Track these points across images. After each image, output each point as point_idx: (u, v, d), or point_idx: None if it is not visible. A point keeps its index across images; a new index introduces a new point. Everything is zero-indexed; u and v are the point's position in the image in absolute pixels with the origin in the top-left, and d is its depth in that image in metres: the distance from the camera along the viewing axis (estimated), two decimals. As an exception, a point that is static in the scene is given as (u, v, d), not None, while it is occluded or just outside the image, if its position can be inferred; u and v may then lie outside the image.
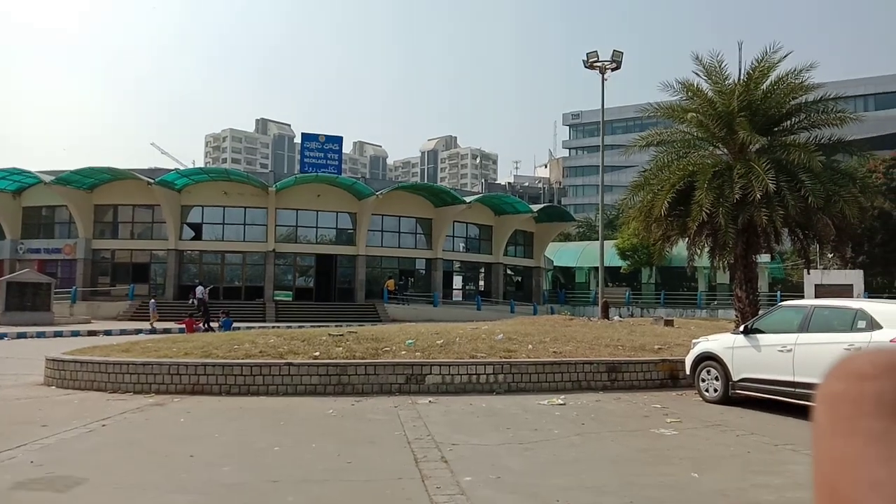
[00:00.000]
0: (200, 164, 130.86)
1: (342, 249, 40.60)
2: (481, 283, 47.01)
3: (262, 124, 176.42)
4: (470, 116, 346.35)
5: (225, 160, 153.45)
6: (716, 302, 44.70)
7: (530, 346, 13.34)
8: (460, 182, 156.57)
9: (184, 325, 25.06)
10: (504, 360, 12.05)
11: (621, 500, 5.72)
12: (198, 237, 39.51)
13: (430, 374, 11.45)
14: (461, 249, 45.43)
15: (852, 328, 9.27)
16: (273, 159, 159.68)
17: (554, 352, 12.97)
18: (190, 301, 30.52)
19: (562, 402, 10.48)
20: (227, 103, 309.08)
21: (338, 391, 11.06)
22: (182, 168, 45.95)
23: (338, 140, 46.01)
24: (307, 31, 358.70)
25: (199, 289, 30.59)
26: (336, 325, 24.23)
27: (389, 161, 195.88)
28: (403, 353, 12.29)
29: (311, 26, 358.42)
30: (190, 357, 11.67)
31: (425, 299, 40.53)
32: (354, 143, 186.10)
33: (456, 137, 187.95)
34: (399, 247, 42.28)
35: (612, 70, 30.26)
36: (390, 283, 39.65)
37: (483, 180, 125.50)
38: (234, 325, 24.63)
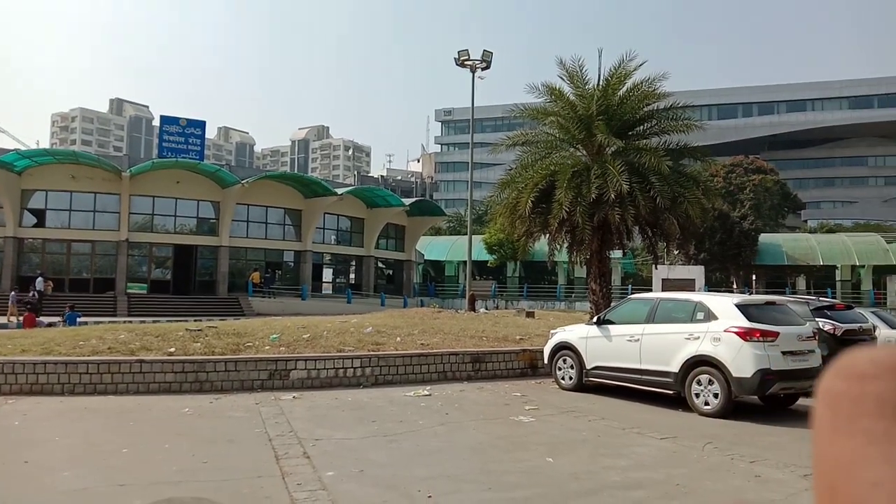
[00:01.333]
0: (46, 145, 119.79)
1: (203, 240, 38.68)
2: (352, 276, 46.63)
3: (117, 105, 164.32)
4: (344, 108, 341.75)
5: (74, 142, 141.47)
6: (574, 295, 47.11)
7: (399, 339, 13.41)
8: (332, 173, 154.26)
9: (22, 319, 22.89)
10: (372, 353, 12.03)
11: (480, 486, 5.89)
12: (41, 224, 36.16)
13: (296, 369, 11.21)
14: (332, 242, 44.82)
15: (692, 319, 10.09)
16: (129, 143, 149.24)
17: (421, 344, 13.13)
18: (31, 294, 27.91)
19: (427, 393, 10.63)
20: (79, 81, 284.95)
21: (195, 389, 10.54)
22: (24, 149, 41.83)
23: (200, 124, 43.79)
24: (171, 10, 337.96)
25: (39, 280, 28.03)
26: (195, 320, 23.07)
27: (257, 149, 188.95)
28: (267, 348, 11.93)
29: (177, 6, 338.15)
30: (28, 354, 10.67)
31: (293, 292, 39.57)
32: (219, 129, 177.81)
33: (328, 128, 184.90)
34: (266, 238, 40.92)
35: (483, 69, 31.00)
36: (255, 276, 38.31)
37: (356, 172, 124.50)
38: (81, 319, 22.78)
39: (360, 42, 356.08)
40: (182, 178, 37.06)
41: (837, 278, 47.23)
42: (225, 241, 38.29)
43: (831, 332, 11.96)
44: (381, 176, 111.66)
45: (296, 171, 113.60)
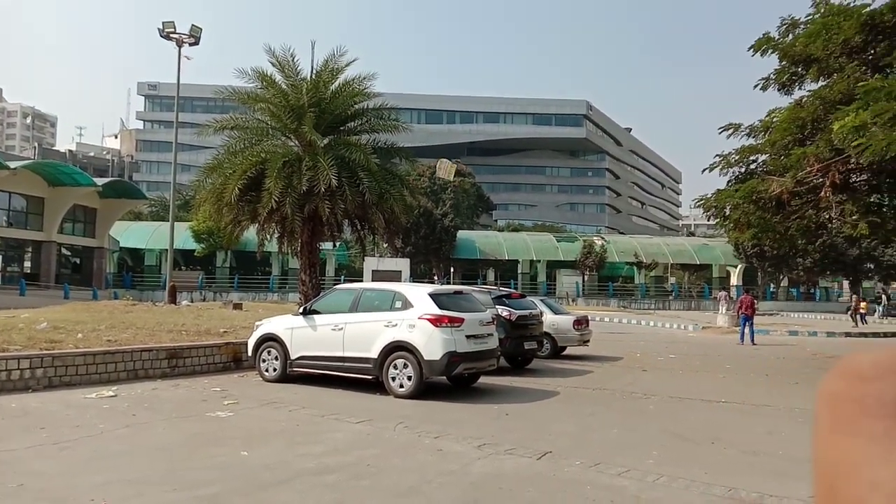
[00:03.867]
0: None
1: None
2: (28, 264, 40.30)
3: None
4: (23, 67, 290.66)
5: None
6: (288, 286, 46.77)
7: (80, 335, 12.00)
8: (6, 144, 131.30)
9: None
10: (45, 352, 10.56)
11: (165, 487, 5.57)
12: None
13: (-60, 373, 9.36)
14: (3, 224, 38.21)
15: (392, 308, 10.71)
16: None
17: (108, 340, 11.91)
18: None
19: (113, 394, 9.68)
20: None
21: None
22: None
23: None
24: None
25: None
26: None
27: None
28: None
29: None
30: None
31: (-56, 283, 32.92)
32: None
33: (1, 89, 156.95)
34: None
35: (191, 45, 29.03)
36: None
37: (37, 145, 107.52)
38: None
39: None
40: None
41: (519, 271, 53.94)
42: None
43: (508, 317, 13.63)
44: (70, 151, 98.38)
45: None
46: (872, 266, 48.98)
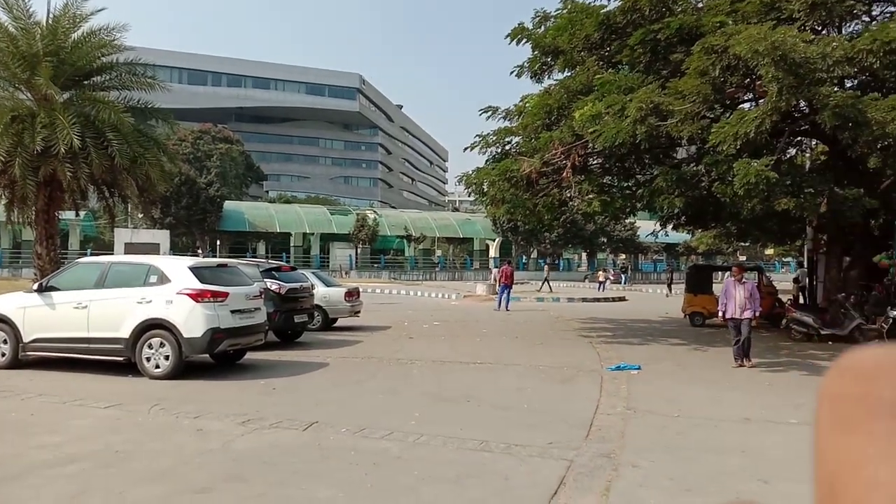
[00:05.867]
0: None
1: None
2: None
3: None
4: None
5: None
6: (22, 260, 40.94)
7: None
8: None
9: None
10: None
11: None
12: None
13: None
14: None
15: (145, 283, 9.90)
16: None
17: None
18: None
19: None
20: None
21: None
22: None
23: None
24: None
25: None
26: None
27: None
28: None
29: None
30: None
31: None
32: None
33: None
34: None
35: None
36: None
37: None
38: None
39: None
40: None
41: (292, 244, 52.93)
42: None
43: (277, 290, 13.35)
44: None
45: None
46: (606, 240, 56.02)
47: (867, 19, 13.99)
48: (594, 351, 13.23)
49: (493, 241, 54.76)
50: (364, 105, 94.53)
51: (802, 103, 12.33)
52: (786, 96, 9.94)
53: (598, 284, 37.59)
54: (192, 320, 9.51)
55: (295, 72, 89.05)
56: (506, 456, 6.13)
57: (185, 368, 9.65)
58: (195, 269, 10.01)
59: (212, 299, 9.69)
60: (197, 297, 9.59)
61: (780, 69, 9.68)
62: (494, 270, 36.87)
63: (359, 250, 53.27)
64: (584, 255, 63.91)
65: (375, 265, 53.83)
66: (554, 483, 5.38)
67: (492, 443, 6.51)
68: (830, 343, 14.28)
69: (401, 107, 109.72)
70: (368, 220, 52.32)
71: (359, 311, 16.98)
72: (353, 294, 16.71)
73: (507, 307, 22.96)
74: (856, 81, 13.34)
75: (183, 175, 42.84)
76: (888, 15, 13.79)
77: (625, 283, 45.47)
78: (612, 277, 37.75)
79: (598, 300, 29.61)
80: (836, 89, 11.37)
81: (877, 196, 13.21)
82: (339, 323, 16.71)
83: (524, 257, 56.92)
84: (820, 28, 13.60)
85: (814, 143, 18.58)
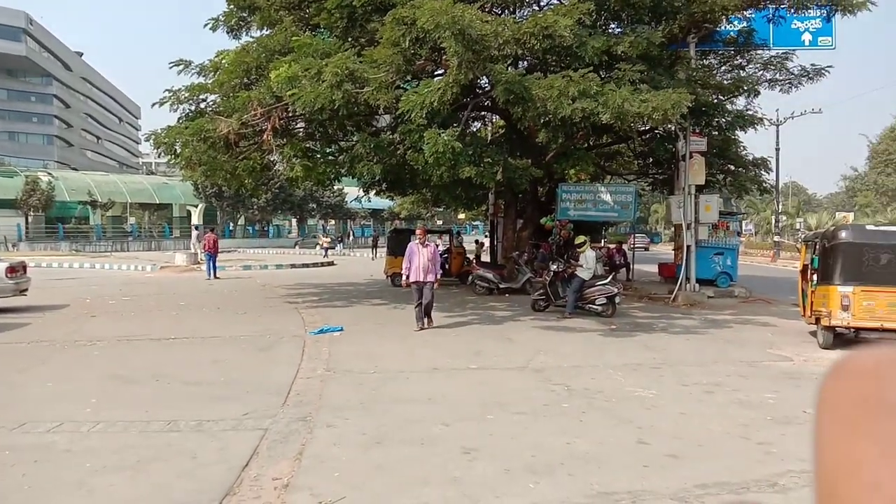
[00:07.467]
0: None
1: None
2: None
3: None
4: None
5: None
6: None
7: None
8: None
9: None
10: None
11: None
12: None
13: None
14: None
15: None
16: None
17: None
18: None
19: None
20: None
21: None
22: None
23: None
24: None
25: None
26: None
27: None
28: None
29: None
30: None
31: None
32: None
33: None
34: None
35: None
36: None
37: None
38: None
39: None
40: None
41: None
42: None
43: None
44: None
45: None
46: (315, 206, 56.14)
47: (536, 8, 15.84)
48: (299, 316, 13.21)
49: (196, 207, 51.40)
50: (33, 49, 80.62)
51: (484, 80, 13.59)
52: (465, 70, 10.80)
53: (322, 250, 38.42)
54: None
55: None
56: (196, 434, 5.80)
57: None
58: None
59: None
60: None
61: (460, 44, 10.47)
62: (194, 237, 34.68)
63: (30, 218, 45.89)
64: (294, 221, 63.41)
65: (52, 235, 46.95)
66: (246, 454, 5.24)
67: (181, 422, 6.10)
68: (507, 295, 16.22)
69: (81, 54, 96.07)
70: (41, 183, 45.26)
71: (26, 290, 14.62)
72: (17, 269, 14.31)
73: (214, 276, 22.12)
74: (526, 63, 15.06)
75: None
76: (553, 5, 15.78)
77: (343, 248, 46.56)
78: (324, 244, 39.06)
79: (306, 265, 29.64)
80: (508, 68, 12.71)
81: (542, 167, 15.21)
82: (1, 304, 14.22)
83: (231, 224, 54.53)
84: (499, 11, 15.05)
85: (495, 118, 20.71)
